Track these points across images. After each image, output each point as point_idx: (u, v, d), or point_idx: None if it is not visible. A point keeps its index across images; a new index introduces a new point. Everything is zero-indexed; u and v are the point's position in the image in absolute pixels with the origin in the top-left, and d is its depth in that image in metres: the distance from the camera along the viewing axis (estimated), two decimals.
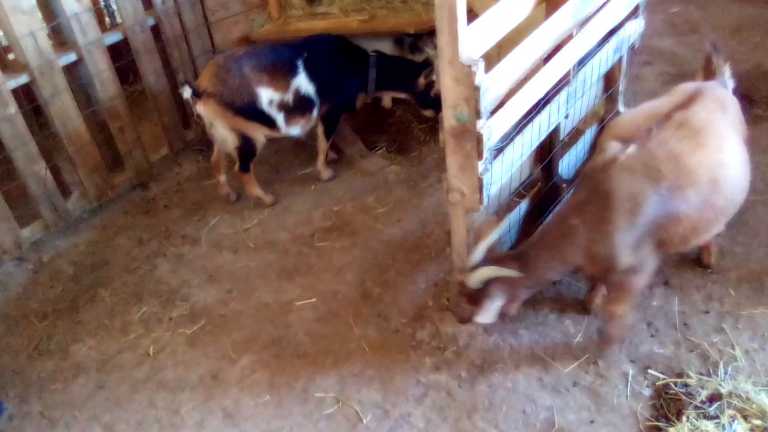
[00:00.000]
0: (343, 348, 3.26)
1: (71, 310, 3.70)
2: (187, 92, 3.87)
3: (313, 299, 3.55)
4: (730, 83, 3.11)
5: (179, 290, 3.73)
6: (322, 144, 4.38)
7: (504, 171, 2.94)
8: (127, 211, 4.38)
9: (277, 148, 4.73)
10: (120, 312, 3.64)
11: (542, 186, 3.63)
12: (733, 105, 2.92)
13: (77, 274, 3.94)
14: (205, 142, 4.71)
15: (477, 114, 2.54)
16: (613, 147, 2.71)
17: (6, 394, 3.24)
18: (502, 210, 3.42)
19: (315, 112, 4.20)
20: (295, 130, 4.18)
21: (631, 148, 2.64)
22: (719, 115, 2.75)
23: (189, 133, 4.83)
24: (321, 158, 4.42)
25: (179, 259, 3.95)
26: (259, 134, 4.06)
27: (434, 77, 4.22)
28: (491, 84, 2.55)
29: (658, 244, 2.72)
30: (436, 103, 3.96)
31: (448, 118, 2.64)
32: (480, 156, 2.66)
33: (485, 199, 2.82)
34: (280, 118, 4.05)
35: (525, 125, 3.01)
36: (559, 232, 2.81)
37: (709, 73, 3.12)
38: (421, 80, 4.31)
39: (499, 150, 2.87)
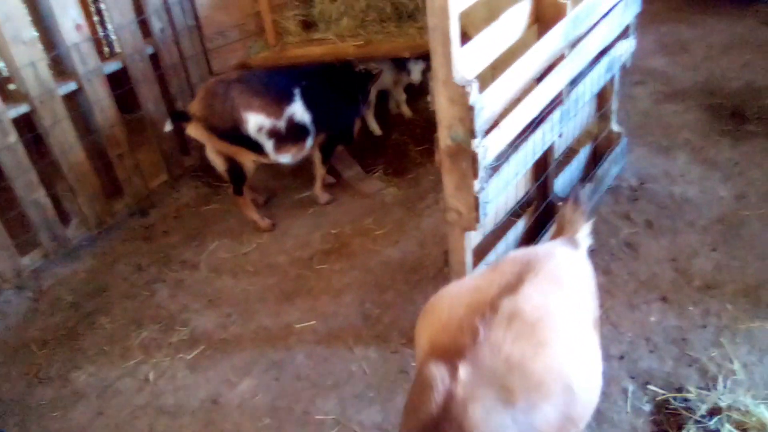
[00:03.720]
0: (343, 370, 3.26)
1: (71, 337, 3.70)
2: (168, 126, 4.02)
3: (313, 322, 3.55)
4: (586, 242, 2.56)
5: (179, 315, 3.73)
6: (320, 170, 4.41)
7: (500, 190, 2.97)
8: (126, 238, 4.40)
9: (274, 172, 4.77)
10: (120, 338, 3.65)
11: (538, 204, 3.66)
12: (576, 276, 2.29)
13: (76, 302, 3.95)
14: (203, 168, 4.76)
15: (472, 133, 2.58)
16: (438, 376, 1.87)
17: (5, 423, 3.23)
18: (499, 229, 3.45)
19: (309, 142, 4.20)
20: (286, 158, 4.17)
21: (463, 371, 1.84)
22: (555, 296, 2.11)
23: (188, 159, 4.87)
24: (318, 183, 4.45)
25: (178, 284, 3.97)
26: (246, 159, 4.08)
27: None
28: (485, 104, 2.59)
29: None
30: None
31: (444, 138, 2.68)
32: (476, 175, 2.69)
33: (482, 218, 2.85)
34: (269, 144, 4.03)
35: (519, 144, 3.05)
36: None
37: (561, 228, 2.58)
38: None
39: (494, 169, 2.90)
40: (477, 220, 2.84)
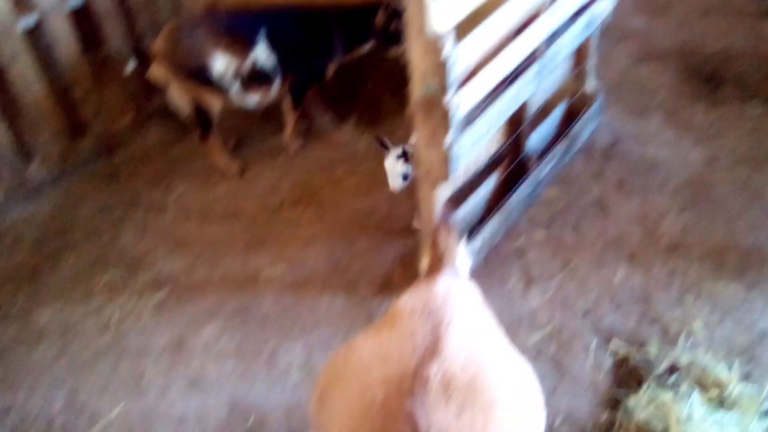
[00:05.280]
0: (310, 316, 3.26)
1: (33, 276, 3.63)
2: (130, 65, 3.90)
3: (281, 269, 3.53)
4: (466, 265, 2.30)
5: (144, 258, 3.67)
6: (290, 116, 4.30)
7: (472, 145, 2.95)
8: (90, 179, 4.28)
9: (244, 116, 4.66)
10: (83, 279, 3.58)
11: (510, 161, 3.65)
12: (478, 308, 2.02)
13: (39, 241, 3.86)
14: (171, 110, 4.63)
15: (445, 86, 2.53)
16: None
17: None
18: (470, 185, 3.44)
19: (275, 85, 4.07)
20: (253, 100, 4.06)
21: None
22: (476, 342, 1.81)
23: (155, 100, 4.72)
24: (288, 130, 4.35)
25: (144, 226, 3.89)
26: (212, 101, 3.97)
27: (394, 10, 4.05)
28: (460, 56, 2.54)
29: None
30: (398, 37, 3.95)
31: (417, 90, 2.63)
32: (448, 129, 2.65)
33: (452, 173, 2.83)
34: (235, 86, 3.91)
35: (494, 99, 3.01)
36: None
37: (438, 258, 2.17)
38: (379, 18, 4.15)
39: (467, 123, 2.87)
40: (447, 174, 2.82)
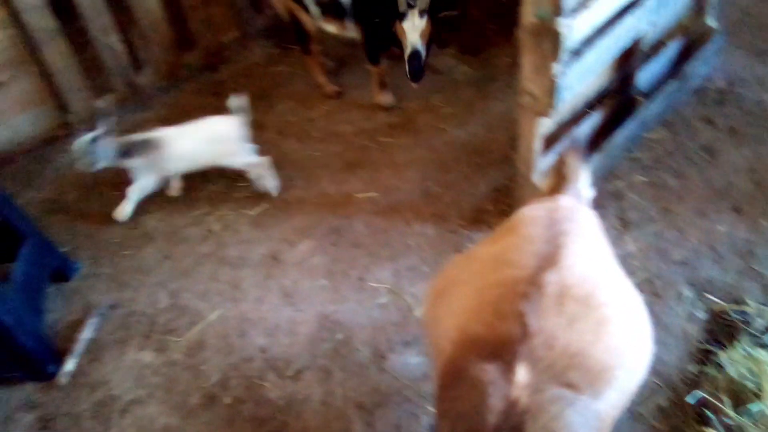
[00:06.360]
0: (400, 242, 3.32)
1: None
2: None
3: (374, 193, 3.59)
4: (588, 193, 2.25)
5: (243, 173, 3.80)
6: (370, 69, 4.05)
7: (580, 76, 2.84)
8: (196, 92, 4.42)
9: (347, 42, 4.64)
10: (187, 189, 3.75)
11: (617, 98, 3.50)
12: (598, 230, 2.01)
13: None
14: (274, 29, 4.67)
15: (558, 11, 2.43)
16: (489, 380, 1.56)
17: (80, 255, 3.44)
18: (572, 120, 3.34)
19: (349, 24, 3.85)
20: (330, 28, 3.94)
21: (522, 373, 1.53)
22: (594, 260, 1.83)
23: (260, 18, 4.77)
24: (373, 84, 4.12)
25: None
26: (301, 16, 3.97)
27: None
28: None
29: None
30: None
31: (528, 14, 2.54)
32: (557, 57, 2.56)
33: (557, 104, 2.75)
34: (315, 9, 3.85)
35: (607, 29, 2.87)
36: None
37: (561, 179, 2.19)
38: None
39: (577, 53, 2.76)
40: (552, 105, 2.74)
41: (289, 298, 3.13)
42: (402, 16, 3.50)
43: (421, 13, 3.46)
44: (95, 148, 3.28)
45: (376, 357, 2.87)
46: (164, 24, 4.24)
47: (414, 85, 3.75)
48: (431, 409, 2.63)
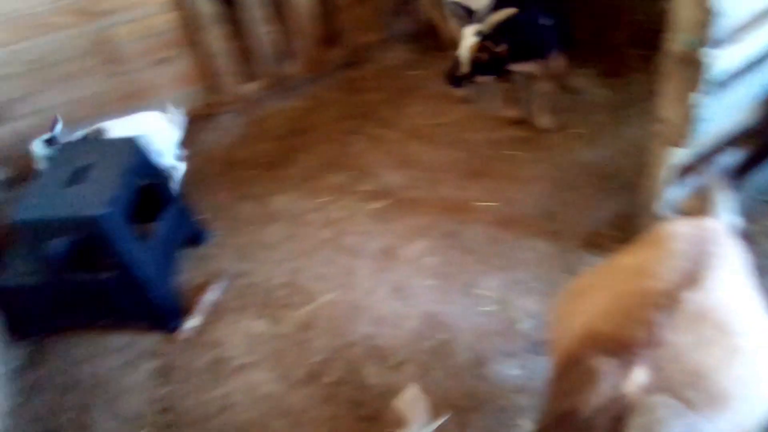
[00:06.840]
0: (512, 254, 3.35)
1: (272, 166, 4.09)
2: None
3: (493, 203, 3.63)
4: (734, 221, 2.19)
5: (370, 169, 3.96)
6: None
7: (722, 109, 2.75)
8: (334, 87, 4.65)
9: None
10: (313, 177, 3.96)
11: (761, 137, 3.35)
12: (741, 258, 1.95)
13: (283, 135, 4.31)
14: (414, 34, 4.83)
15: (706, 41, 2.39)
16: (605, 371, 1.60)
17: (218, 225, 3.73)
18: (706, 155, 3.23)
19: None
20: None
21: (640, 373, 1.56)
22: (736, 288, 1.79)
23: (402, 22, 4.93)
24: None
25: (374, 139, 4.18)
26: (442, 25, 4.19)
27: None
28: (729, 10, 2.36)
29: None
30: None
31: (674, 41, 2.51)
32: (697, 87, 2.51)
33: (693, 135, 2.68)
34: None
35: (758, 64, 2.77)
36: None
37: (707, 203, 2.20)
38: None
39: (722, 86, 2.68)
40: (686, 135, 2.68)
41: (399, 293, 3.24)
42: (470, 21, 3.57)
43: (477, 33, 3.48)
44: (51, 148, 3.32)
45: (475, 362, 2.91)
46: (314, 20, 4.50)
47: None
48: (527, 422, 2.64)
